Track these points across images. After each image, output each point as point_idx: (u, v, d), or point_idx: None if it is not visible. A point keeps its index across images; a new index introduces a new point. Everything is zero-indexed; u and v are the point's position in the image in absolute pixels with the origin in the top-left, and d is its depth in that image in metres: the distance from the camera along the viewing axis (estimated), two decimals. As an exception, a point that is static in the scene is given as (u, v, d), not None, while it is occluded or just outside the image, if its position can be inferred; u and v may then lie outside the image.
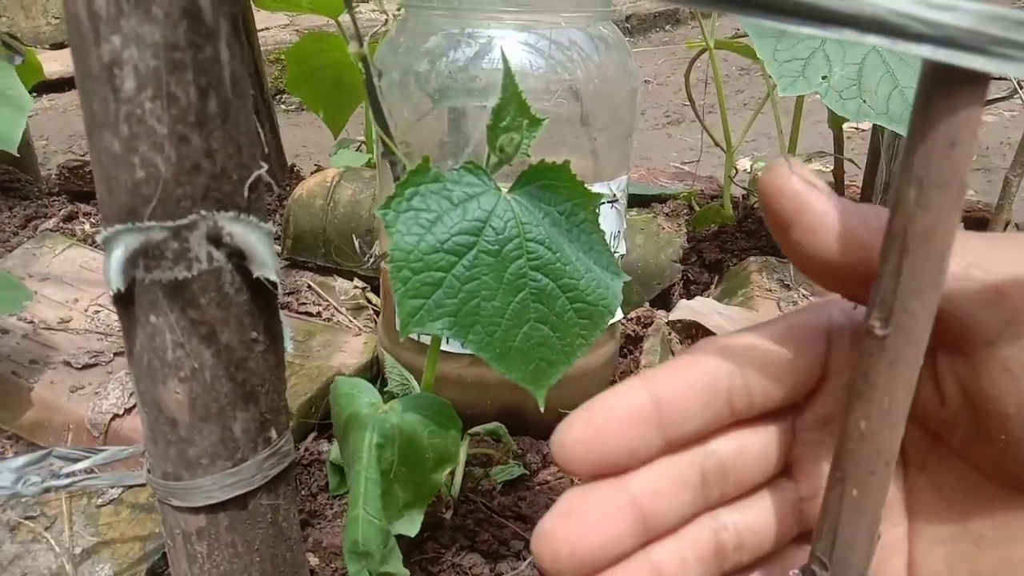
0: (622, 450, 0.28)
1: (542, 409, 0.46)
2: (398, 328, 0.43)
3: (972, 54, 0.18)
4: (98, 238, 0.34)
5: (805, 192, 0.26)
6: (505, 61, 0.43)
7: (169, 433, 0.36)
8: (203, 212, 0.33)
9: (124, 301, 0.34)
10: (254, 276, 0.35)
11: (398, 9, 0.65)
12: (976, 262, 0.25)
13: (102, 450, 0.43)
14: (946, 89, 0.19)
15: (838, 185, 1.16)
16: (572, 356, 0.45)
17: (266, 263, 0.35)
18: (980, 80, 0.19)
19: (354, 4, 0.44)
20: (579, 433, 0.28)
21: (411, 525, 0.47)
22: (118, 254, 0.33)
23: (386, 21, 0.62)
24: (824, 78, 0.70)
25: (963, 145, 0.20)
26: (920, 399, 0.26)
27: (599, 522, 0.28)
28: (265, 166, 0.35)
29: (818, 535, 0.27)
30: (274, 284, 0.36)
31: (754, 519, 0.30)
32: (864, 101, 0.68)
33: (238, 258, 0.34)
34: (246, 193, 0.34)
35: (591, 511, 0.28)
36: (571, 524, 0.28)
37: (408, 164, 0.42)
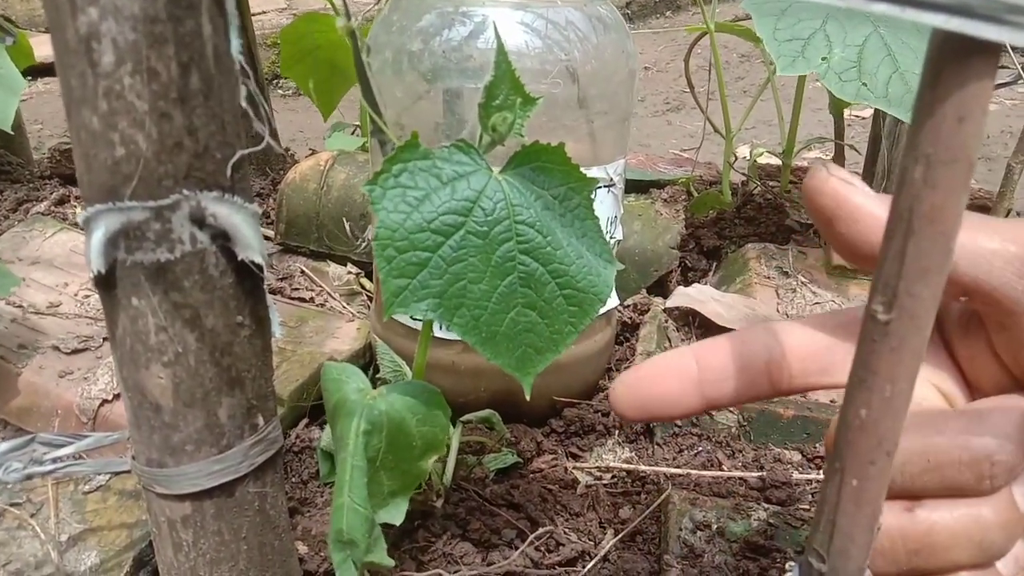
0: (665, 399, 0.35)
1: (528, 397, 0.45)
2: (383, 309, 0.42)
3: (986, 23, 0.17)
4: (78, 218, 0.33)
5: (842, 188, 0.30)
6: (498, 37, 0.42)
7: (153, 419, 0.36)
8: (186, 192, 0.32)
9: (105, 283, 0.33)
10: (239, 259, 0.34)
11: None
12: (1010, 239, 0.29)
13: (87, 436, 0.43)
14: (957, 61, 0.18)
15: (838, 172, 1.15)
16: (560, 344, 0.44)
17: (251, 245, 0.34)
18: (992, 51, 0.18)
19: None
20: (629, 381, 0.35)
21: (396, 514, 0.46)
22: (99, 235, 0.32)
23: (378, 0, 0.61)
24: (824, 59, 0.69)
25: (973, 120, 0.19)
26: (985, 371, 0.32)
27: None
28: (262, 144, 0.34)
29: (816, 526, 0.26)
30: (260, 267, 0.35)
31: None
32: (864, 84, 0.67)
33: (223, 240, 0.34)
34: (229, 172, 0.33)
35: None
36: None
37: (399, 144, 0.41)
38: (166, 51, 0.30)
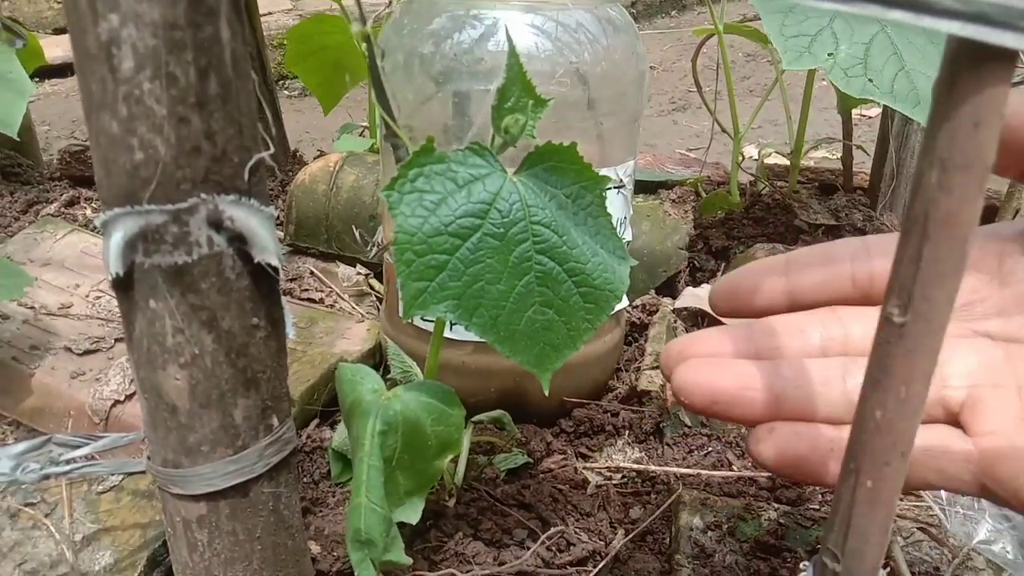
0: (753, 289, 0.38)
1: (546, 392, 0.45)
2: (401, 312, 0.42)
3: (1002, 30, 0.17)
4: (96, 221, 0.33)
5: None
6: (510, 40, 0.43)
7: (169, 420, 0.36)
8: (203, 195, 0.32)
9: (123, 286, 0.34)
10: (255, 261, 0.34)
11: (402, -9, 0.64)
12: None
13: (102, 437, 0.43)
14: (973, 67, 0.18)
15: (847, 172, 1.15)
16: (577, 340, 0.45)
17: (267, 248, 0.34)
18: (1008, 57, 0.18)
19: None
20: (726, 279, 0.39)
21: (412, 513, 0.47)
22: (117, 238, 0.32)
23: (390, 3, 0.61)
24: (830, 55, 0.69)
25: (989, 125, 0.19)
26: None
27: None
28: (271, 149, 0.35)
29: (830, 526, 0.26)
30: (276, 269, 0.35)
31: None
32: (870, 80, 0.67)
33: (239, 242, 0.34)
34: (247, 176, 0.33)
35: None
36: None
37: (412, 147, 0.41)
38: (185, 56, 0.30)
